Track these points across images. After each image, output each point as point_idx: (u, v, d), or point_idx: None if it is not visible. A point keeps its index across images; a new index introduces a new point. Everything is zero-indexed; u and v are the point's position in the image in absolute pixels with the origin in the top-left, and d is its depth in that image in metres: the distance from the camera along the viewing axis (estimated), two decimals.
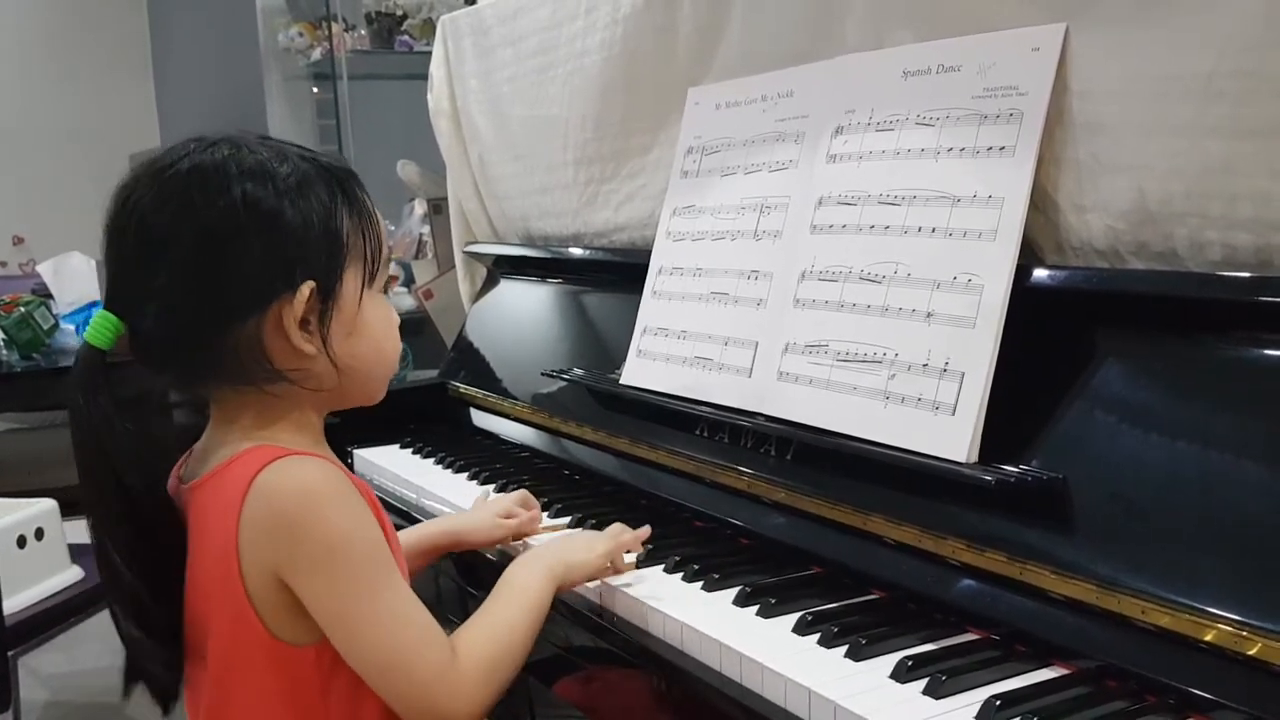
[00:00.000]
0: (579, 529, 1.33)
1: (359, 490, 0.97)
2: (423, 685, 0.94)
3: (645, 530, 1.18)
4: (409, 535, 1.29)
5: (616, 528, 1.18)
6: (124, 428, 0.95)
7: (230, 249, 0.93)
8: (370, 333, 1.01)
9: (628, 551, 1.17)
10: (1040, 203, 1.07)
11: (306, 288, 0.94)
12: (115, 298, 0.96)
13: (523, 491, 1.37)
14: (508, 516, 1.31)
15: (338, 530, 0.92)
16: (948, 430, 1.04)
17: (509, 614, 1.02)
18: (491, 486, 1.51)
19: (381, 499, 1.55)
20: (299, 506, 0.92)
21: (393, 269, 3.10)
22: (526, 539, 1.31)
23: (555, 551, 1.11)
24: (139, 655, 1.00)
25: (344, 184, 0.99)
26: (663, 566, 1.16)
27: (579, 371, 1.59)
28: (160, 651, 0.99)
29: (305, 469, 0.94)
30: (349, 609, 0.93)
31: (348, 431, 1.74)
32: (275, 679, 0.95)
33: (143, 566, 0.97)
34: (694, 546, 1.22)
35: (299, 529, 0.91)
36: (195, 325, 0.94)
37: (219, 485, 0.95)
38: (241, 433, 0.98)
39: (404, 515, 1.49)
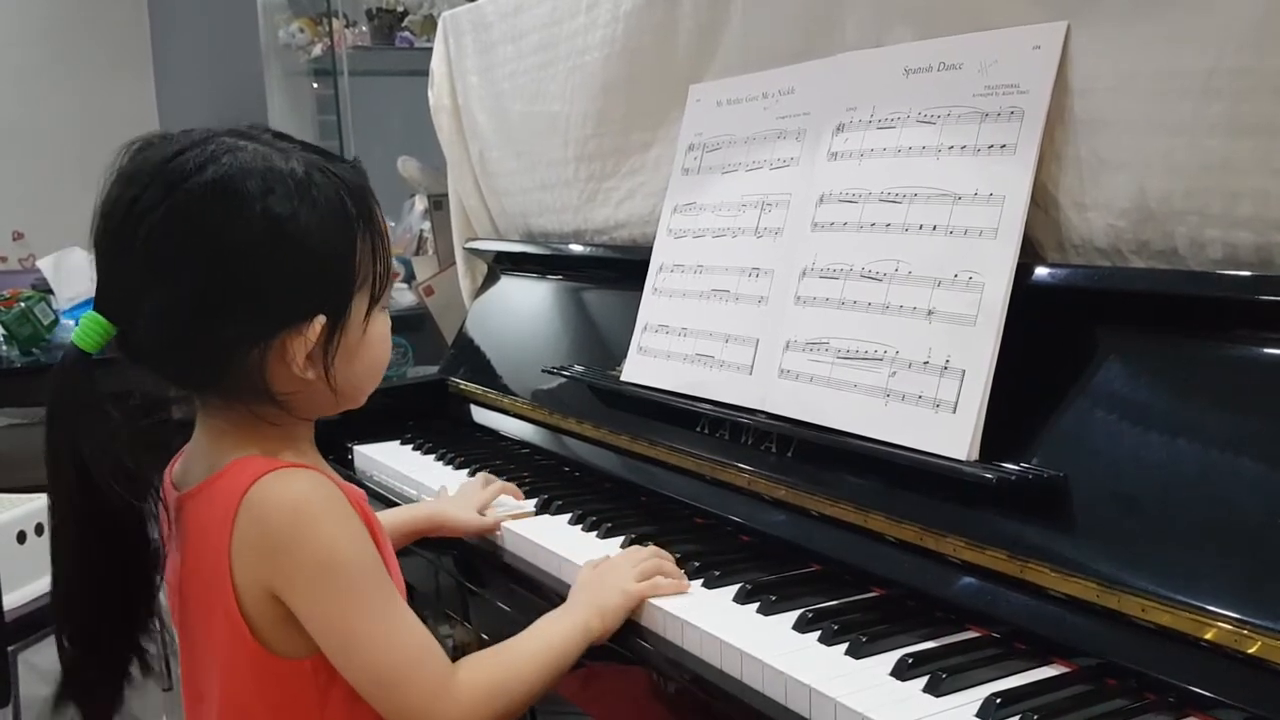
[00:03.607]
0: (544, 514, 1.35)
1: (350, 500, 0.95)
2: (420, 699, 0.93)
3: (684, 582, 1.10)
4: (393, 516, 1.29)
5: (652, 564, 1.10)
6: (102, 436, 0.91)
7: (242, 278, 0.89)
8: (370, 352, 0.99)
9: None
10: (1041, 200, 1.07)
11: (318, 323, 0.92)
12: (109, 301, 0.92)
13: (506, 484, 1.40)
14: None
15: (331, 547, 0.91)
16: (948, 428, 1.04)
17: (524, 648, 1.01)
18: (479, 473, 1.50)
19: (381, 495, 1.57)
20: (291, 523, 0.90)
21: (393, 265, 3.09)
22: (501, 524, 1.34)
23: (590, 600, 1.06)
24: (75, 672, 0.96)
25: (359, 201, 0.95)
26: None
27: (580, 368, 1.59)
28: (99, 670, 0.96)
29: (296, 483, 0.92)
30: (345, 625, 0.92)
31: (348, 428, 1.74)
32: (271, 692, 0.94)
33: (99, 581, 0.94)
34: (694, 544, 1.22)
35: (292, 546, 0.90)
36: (193, 344, 0.91)
37: (210, 498, 0.93)
38: (232, 441, 0.95)
39: None
